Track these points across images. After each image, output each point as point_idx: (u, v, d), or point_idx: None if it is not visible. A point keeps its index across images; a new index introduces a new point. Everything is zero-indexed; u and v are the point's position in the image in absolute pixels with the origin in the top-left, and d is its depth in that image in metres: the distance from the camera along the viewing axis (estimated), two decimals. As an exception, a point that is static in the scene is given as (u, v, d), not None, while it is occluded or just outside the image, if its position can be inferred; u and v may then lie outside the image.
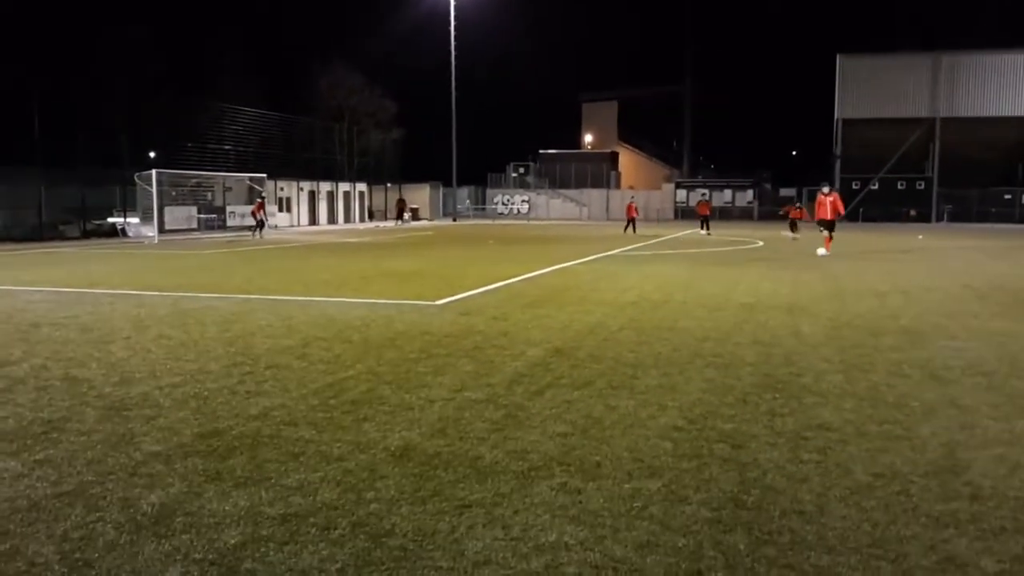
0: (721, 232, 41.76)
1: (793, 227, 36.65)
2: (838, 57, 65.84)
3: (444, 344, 9.82)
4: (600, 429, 6.38)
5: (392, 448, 5.90)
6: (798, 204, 41.05)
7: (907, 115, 63.26)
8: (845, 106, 65.24)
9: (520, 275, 18.10)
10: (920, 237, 38.47)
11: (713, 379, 8.06)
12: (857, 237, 38.93)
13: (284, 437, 6.15)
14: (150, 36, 57.04)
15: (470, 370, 8.43)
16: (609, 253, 25.93)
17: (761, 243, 32.46)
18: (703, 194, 65.42)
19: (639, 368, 8.53)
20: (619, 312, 12.48)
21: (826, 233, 25.14)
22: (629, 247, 29.40)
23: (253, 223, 39.11)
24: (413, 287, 15.86)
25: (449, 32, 64.87)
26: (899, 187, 64.87)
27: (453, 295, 14.49)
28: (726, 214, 67.73)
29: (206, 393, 7.46)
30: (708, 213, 42.13)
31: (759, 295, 14.70)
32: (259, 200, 40.22)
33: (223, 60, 63.52)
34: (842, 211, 25.36)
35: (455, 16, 64.68)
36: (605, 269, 19.89)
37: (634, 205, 41.87)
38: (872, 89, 64.07)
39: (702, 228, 40.22)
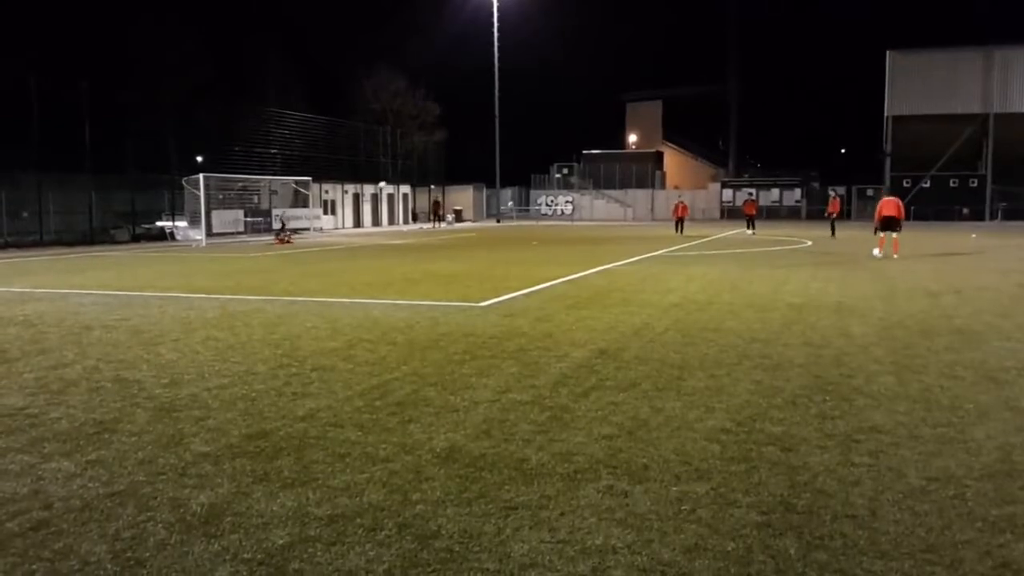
0: (768, 231, 41.35)
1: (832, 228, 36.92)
2: (888, 53, 64.82)
3: (488, 346, 9.81)
4: (647, 431, 6.32)
5: (437, 450, 5.89)
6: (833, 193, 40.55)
7: (959, 111, 62.03)
8: (895, 103, 64.18)
9: (564, 277, 18.05)
10: (974, 236, 37.71)
11: (761, 381, 7.95)
12: (909, 236, 38.20)
13: (330, 438, 6.18)
14: (197, 42, 57.92)
15: (515, 372, 8.41)
16: (654, 254, 25.78)
17: (809, 243, 32.05)
18: (749, 193, 64.72)
19: (685, 370, 8.45)
20: (664, 313, 12.39)
21: (882, 234, 24.00)
22: (674, 248, 29.20)
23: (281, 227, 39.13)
24: (457, 289, 15.89)
25: (492, 33, 65.02)
26: (951, 185, 63.67)
27: (497, 297, 14.49)
28: (773, 213, 67.05)
29: (253, 395, 7.53)
30: (754, 213, 41.73)
31: (808, 295, 14.50)
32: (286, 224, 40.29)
33: (268, 65, 64.31)
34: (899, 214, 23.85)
35: (498, 17, 64.80)
36: (650, 270, 19.77)
37: (681, 204, 41.23)
38: (923, 85, 62.89)
39: (748, 227, 39.83)
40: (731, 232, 41.27)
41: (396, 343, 10.04)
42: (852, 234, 40.22)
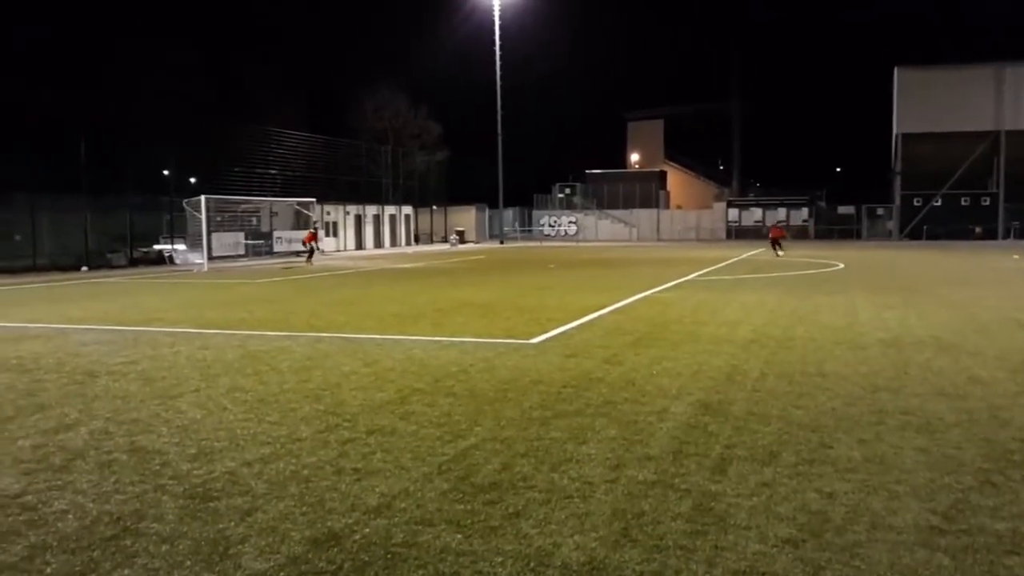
0: (787, 253, 39.97)
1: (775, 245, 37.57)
2: (896, 70, 63.81)
3: (566, 397, 8.33)
4: (835, 532, 4.84)
5: (572, 565, 4.41)
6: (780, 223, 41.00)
7: (970, 129, 60.85)
8: (904, 120, 63.02)
9: (606, 306, 16.57)
10: (1016, 257, 35.99)
11: (926, 448, 6.48)
12: (938, 257, 36.98)
13: (423, 545, 4.69)
14: (196, 61, 56.66)
15: (614, 435, 6.92)
16: (686, 279, 24.31)
17: (841, 265, 30.64)
18: (780, 222, 62.12)
19: (822, 432, 6.97)
20: (746, 352, 10.91)
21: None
22: (703, 271, 27.77)
23: (303, 249, 37.63)
24: (497, 322, 14.40)
25: (494, 53, 63.81)
26: (963, 203, 62.43)
27: (545, 331, 13.00)
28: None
29: (305, 471, 6.03)
30: (781, 235, 40.46)
31: (891, 328, 13.05)
32: (312, 230, 38.83)
33: (267, 84, 63.04)
34: None
35: (500, 37, 63.62)
36: (695, 298, 18.29)
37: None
38: (932, 102, 61.69)
39: (775, 248, 38.29)
40: (749, 253, 39.84)
41: (455, 394, 8.55)
42: (869, 255, 38.90)
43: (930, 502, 5.32)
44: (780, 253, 37.13)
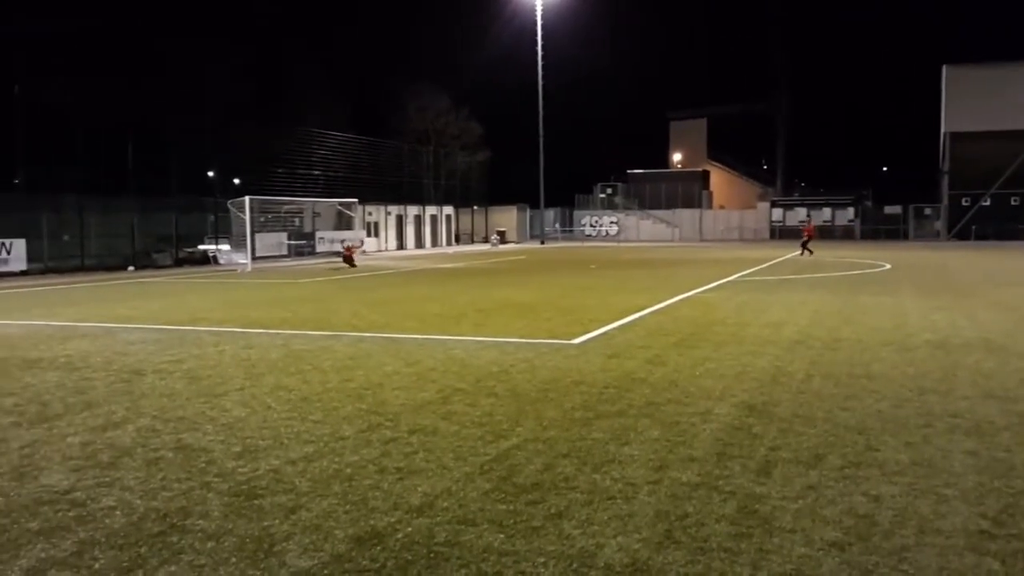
0: (833, 253, 39.46)
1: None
2: (944, 68, 62.67)
3: (608, 398, 8.29)
4: (882, 535, 4.76)
5: (615, 567, 4.39)
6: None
7: (1020, 127, 59.55)
8: (952, 119, 61.89)
9: (648, 306, 16.47)
10: None
11: (975, 452, 6.36)
12: (987, 258, 36.31)
13: (465, 544, 4.69)
14: (239, 64, 57.27)
15: (657, 436, 6.88)
16: (729, 279, 24.10)
17: (888, 265, 30.19)
18: (806, 217, 62.08)
19: (867, 434, 6.87)
20: (791, 354, 10.79)
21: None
22: (746, 272, 27.51)
23: (342, 257, 35.50)
24: (538, 322, 14.39)
25: (535, 53, 63.77)
26: (1012, 203, 61.15)
27: (587, 332, 12.96)
28: (827, 233, 64.83)
29: (348, 470, 6.06)
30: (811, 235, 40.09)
31: (939, 330, 12.83)
32: (352, 245, 36.56)
33: (310, 86, 63.49)
34: None
35: (542, 36, 63.56)
36: (738, 298, 18.13)
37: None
38: (981, 101, 60.45)
39: (803, 250, 37.88)
40: (793, 254, 39.39)
41: (497, 394, 8.55)
42: (917, 255, 38.31)
43: (979, 506, 5.22)
44: (803, 253, 36.91)
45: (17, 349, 12.00)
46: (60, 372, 10.12)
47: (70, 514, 5.24)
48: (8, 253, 30.70)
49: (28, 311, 17.37)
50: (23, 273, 30.55)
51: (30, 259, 31.61)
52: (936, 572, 4.30)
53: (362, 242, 36.49)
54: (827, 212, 67.61)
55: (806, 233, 40.67)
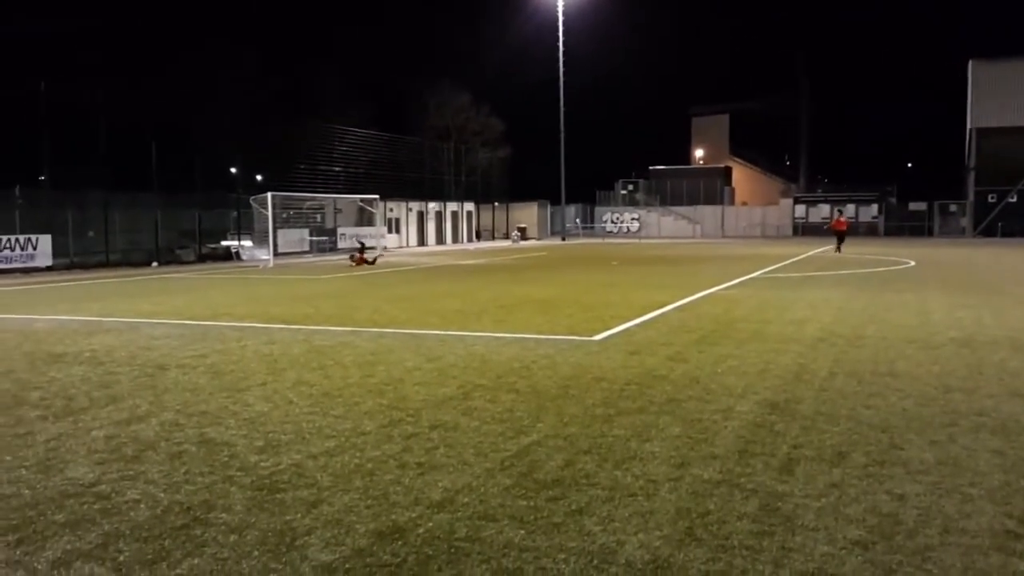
0: (857, 250, 39.19)
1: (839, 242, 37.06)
2: (970, 63, 62.08)
3: (629, 395, 8.27)
4: (906, 534, 4.73)
5: (636, 563, 4.37)
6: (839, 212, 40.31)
7: (1048, 123, 58.95)
8: (978, 114, 61.31)
9: (670, 303, 16.42)
10: None
11: (1002, 451, 6.30)
12: (1013, 255, 35.96)
13: (486, 540, 4.69)
14: (262, 61, 57.59)
15: (678, 433, 6.85)
16: (751, 276, 23.98)
17: (912, 262, 29.94)
18: (839, 210, 61.51)
19: (892, 432, 6.81)
20: (814, 351, 10.72)
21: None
22: (769, 268, 27.37)
23: (359, 252, 33.82)
24: (560, 318, 14.37)
25: (556, 48, 63.67)
26: (1039, 200, 60.53)
27: (608, 328, 12.93)
28: (851, 230, 64.29)
29: (369, 465, 6.08)
30: (844, 229, 39.25)
31: (965, 327, 12.71)
32: (359, 248, 34.44)
33: (332, 82, 63.73)
34: None
35: (563, 32, 63.45)
36: (761, 295, 18.03)
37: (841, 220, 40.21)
38: (1008, 96, 59.95)
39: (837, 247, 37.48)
40: (817, 250, 39.15)
41: (518, 390, 8.55)
42: (942, 252, 37.97)
43: (1005, 505, 5.17)
44: (836, 250, 36.56)
45: (43, 344, 12.12)
46: (85, 366, 10.21)
47: (95, 507, 5.29)
48: (34, 249, 31.03)
49: (54, 306, 17.54)
50: (48, 269, 30.87)
51: (55, 255, 31.93)
52: (961, 572, 4.26)
53: (384, 240, 35.34)
54: (851, 208, 67.10)
55: (839, 227, 39.08)
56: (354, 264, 31.89)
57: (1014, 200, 60.88)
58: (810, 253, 37.54)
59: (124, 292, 21.36)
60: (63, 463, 6.22)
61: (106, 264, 33.25)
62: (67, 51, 52.83)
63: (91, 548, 4.64)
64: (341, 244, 45.20)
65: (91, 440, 6.85)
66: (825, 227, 39.01)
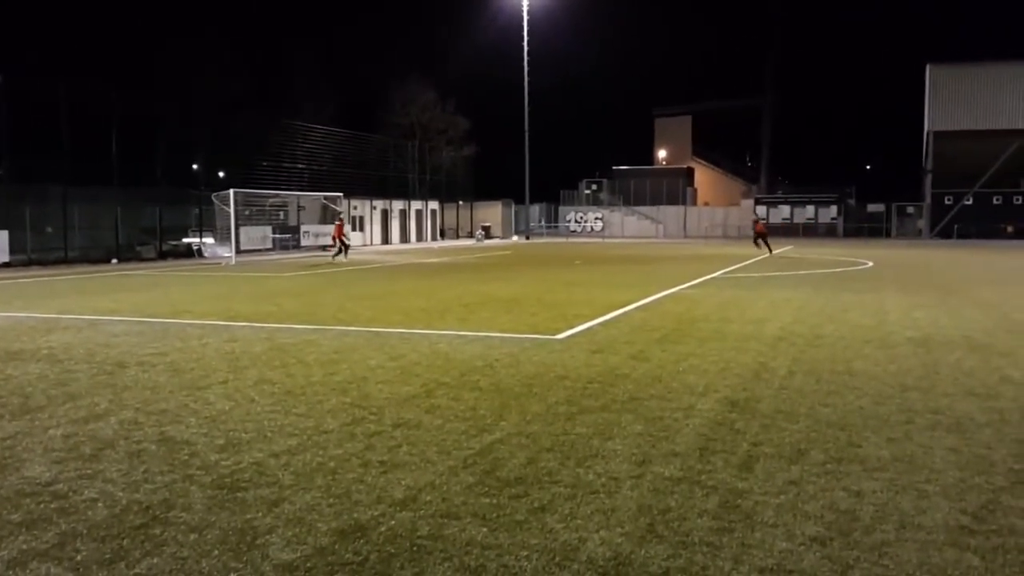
0: (816, 251, 39.67)
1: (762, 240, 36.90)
2: (928, 67, 63.03)
3: (592, 393, 8.31)
4: (863, 530, 4.80)
5: (598, 560, 4.40)
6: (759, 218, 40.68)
7: (1002, 127, 59.98)
8: (936, 118, 62.26)
9: (632, 302, 16.52)
10: None
11: (957, 448, 6.42)
12: (969, 256, 36.59)
13: (449, 538, 4.70)
14: (224, 56, 56.97)
15: (640, 431, 6.90)
16: (712, 276, 24.19)
17: (871, 263, 30.37)
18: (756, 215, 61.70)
19: (850, 430, 6.92)
20: (774, 350, 10.85)
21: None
22: (729, 268, 27.62)
23: (334, 246, 34.34)
24: (523, 317, 14.40)
25: (522, 48, 63.70)
26: (995, 202, 61.68)
27: (571, 327, 12.99)
28: (810, 231, 65.26)
29: (332, 463, 6.06)
30: (764, 231, 38.72)
31: (921, 328, 12.92)
32: (337, 222, 35.51)
33: (298, 80, 63.26)
34: None
35: (528, 32, 63.51)
36: (722, 295, 18.20)
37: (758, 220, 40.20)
38: (964, 100, 61.02)
39: (763, 244, 37.01)
40: (777, 251, 39.57)
41: (481, 388, 8.56)
42: (899, 254, 38.55)
43: (960, 502, 5.27)
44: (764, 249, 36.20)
45: (-2, 341, 11.92)
46: (42, 364, 10.07)
47: (52, 506, 5.22)
48: (-10, 244, 30.47)
49: (10, 303, 17.26)
50: (5, 265, 30.34)
51: (13, 251, 31.38)
52: (916, 567, 4.34)
53: (341, 219, 35.29)
54: (810, 210, 67.93)
55: (759, 230, 38.49)
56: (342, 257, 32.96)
57: (970, 203, 61.95)
58: (771, 253, 37.88)
59: (83, 289, 21.06)
60: (19, 462, 6.13)
61: (65, 260, 32.74)
62: (26, 41, 51.99)
63: (48, 548, 4.58)
64: (304, 242, 44.92)
65: (48, 439, 6.76)
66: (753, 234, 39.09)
